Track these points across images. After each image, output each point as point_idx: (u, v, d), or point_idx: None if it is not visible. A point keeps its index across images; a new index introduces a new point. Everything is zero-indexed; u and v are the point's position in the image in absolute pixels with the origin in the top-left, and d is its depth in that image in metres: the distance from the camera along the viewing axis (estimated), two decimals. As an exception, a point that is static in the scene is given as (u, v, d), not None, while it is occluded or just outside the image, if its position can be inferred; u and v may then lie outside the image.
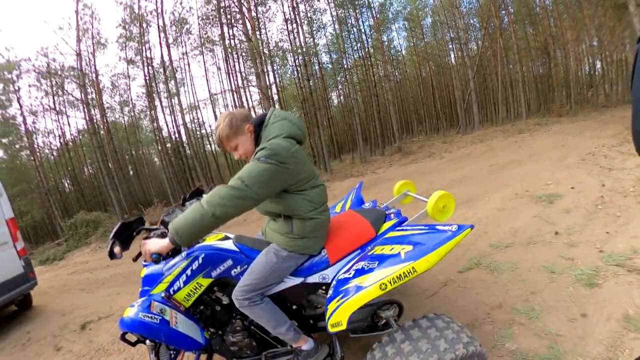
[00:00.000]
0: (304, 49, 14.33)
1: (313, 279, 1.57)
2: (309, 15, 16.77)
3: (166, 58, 16.27)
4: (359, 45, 18.00)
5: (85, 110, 15.44)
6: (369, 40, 18.66)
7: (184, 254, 1.63)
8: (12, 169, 16.16)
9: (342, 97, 22.37)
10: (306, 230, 1.52)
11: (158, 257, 1.37)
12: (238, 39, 15.19)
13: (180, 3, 14.68)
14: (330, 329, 1.37)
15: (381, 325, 1.81)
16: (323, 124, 17.73)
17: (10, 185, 16.99)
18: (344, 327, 1.32)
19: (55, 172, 22.16)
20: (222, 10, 13.93)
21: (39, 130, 20.24)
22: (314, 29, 17.09)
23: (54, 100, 19.03)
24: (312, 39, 17.59)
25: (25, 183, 16.56)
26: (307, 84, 14.95)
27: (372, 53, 18.77)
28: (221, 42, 16.17)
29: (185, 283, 1.60)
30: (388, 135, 21.45)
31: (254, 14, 16.07)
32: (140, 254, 1.51)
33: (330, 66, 20.31)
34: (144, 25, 16.00)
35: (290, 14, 14.52)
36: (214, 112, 22.01)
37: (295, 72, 16.81)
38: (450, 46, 21.32)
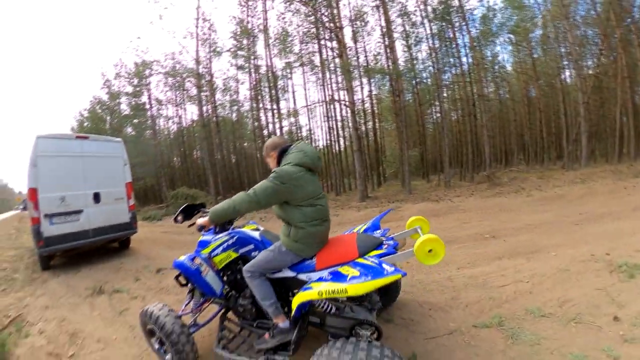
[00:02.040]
0: (392, 68, 14.13)
1: (302, 276, 1.98)
2: (406, 28, 16.55)
3: (270, 66, 18.07)
4: (457, 60, 16.92)
5: (199, 106, 18.42)
6: (468, 55, 17.34)
7: (227, 232, 2.35)
8: (137, 144, 20.18)
9: (438, 115, 21.18)
10: (298, 236, 1.95)
11: (201, 228, 2.06)
12: (333, 55, 15.92)
13: (284, 19, 15.84)
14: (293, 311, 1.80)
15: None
16: (410, 142, 17.17)
17: (134, 156, 21.19)
18: (292, 314, 1.82)
19: (170, 151, 26.72)
20: (319, 26, 14.78)
21: (161, 115, 25.10)
22: (411, 42, 16.74)
23: (175, 94, 23.38)
24: (408, 53, 17.29)
25: (145, 156, 20.47)
26: (399, 99, 14.80)
27: (472, 69, 17.28)
28: (318, 55, 17.26)
29: (222, 252, 2.31)
30: (480, 161, 19.33)
31: (350, 29, 16.72)
32: (193, 224, 2.19)
33: (427, 81, 19.38)
34: (252, 38, 18.01)
35: (385, 28, 14.53)
36: (309, 119, 24.21)
37: (390, 85, 16.68)
38: (565, 63, 17.89)
